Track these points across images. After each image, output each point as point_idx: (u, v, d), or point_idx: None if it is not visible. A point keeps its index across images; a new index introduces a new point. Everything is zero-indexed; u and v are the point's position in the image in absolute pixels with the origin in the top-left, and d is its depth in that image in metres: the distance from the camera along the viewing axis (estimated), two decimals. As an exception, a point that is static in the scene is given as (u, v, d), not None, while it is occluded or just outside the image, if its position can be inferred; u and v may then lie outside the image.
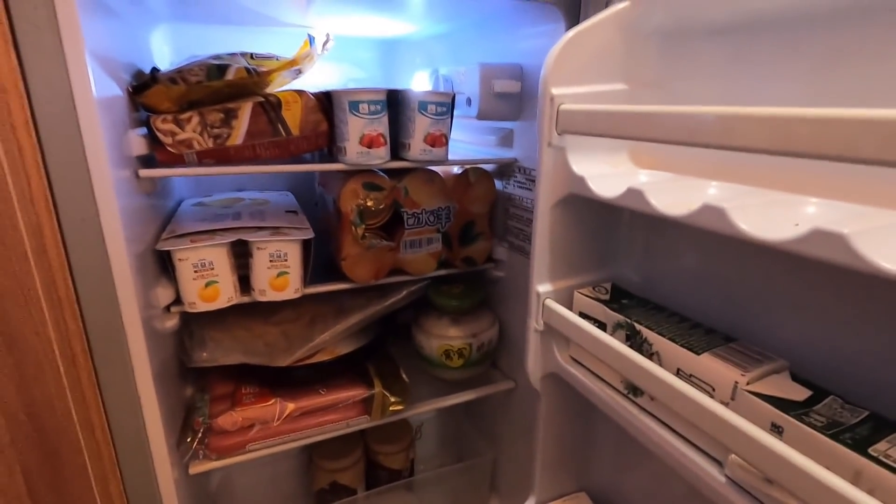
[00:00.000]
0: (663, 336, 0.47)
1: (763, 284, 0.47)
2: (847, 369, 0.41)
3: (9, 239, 0.45)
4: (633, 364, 0.45)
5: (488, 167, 0.84)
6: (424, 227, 0.81)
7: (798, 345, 0.44)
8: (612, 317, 0.53)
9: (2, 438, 0.48)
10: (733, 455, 0.38)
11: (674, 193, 0.41)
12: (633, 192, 0.44)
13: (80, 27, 0.45)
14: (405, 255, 0.81)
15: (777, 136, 0.31)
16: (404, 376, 0.82)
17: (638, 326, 0.49)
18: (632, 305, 0.54)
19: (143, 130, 0.63)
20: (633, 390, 0.50)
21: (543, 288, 0.58)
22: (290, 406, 0.72)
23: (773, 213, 0.35)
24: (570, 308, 0.57)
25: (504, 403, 0.93)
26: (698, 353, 0.43)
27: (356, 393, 0.76)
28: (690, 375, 0.44)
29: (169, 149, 0.62)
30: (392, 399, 0.77)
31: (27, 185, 0.45)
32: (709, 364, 0.42)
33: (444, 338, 0.84)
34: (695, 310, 0.51)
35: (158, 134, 0.61)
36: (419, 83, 0.96)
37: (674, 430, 0.46)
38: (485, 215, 0.86)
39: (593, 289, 0.58)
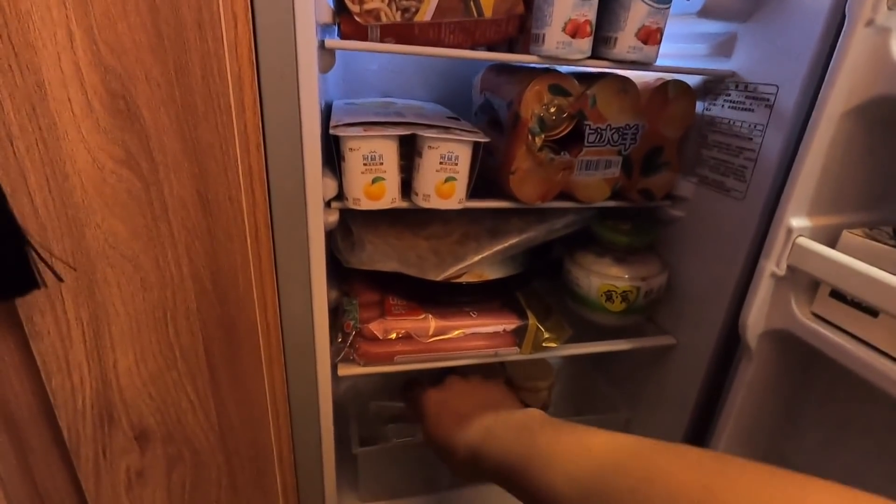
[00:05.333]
0: None
1: None
2: None
3: (216, 84, 0.40)
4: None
5: (691, 82, 0.70)
6: (606, 146, 0.69)
7: None
8: (915, 267, 0.39)
9: (190, 303, 0.47)
10: None
11: None
12: None
13: None
14: (578, 178, 0.70)
15: None
16: (559, 313, 0.74)
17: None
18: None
19: (327, -1, 0.57)
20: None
21: (799, 222, 0.46)
22: (442, 323, 0.67)
23: None
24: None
25: (654, 361, 0.83)
26: None
27: (509, 321, 0.70)
28: None
29: (356, 18, 0.55)
30: (546, 335, 0.70)
31: (234, 26, 0.40)
32: None
33: (608, 277, 0.74)
34: None
35: (347, 1, 0.55)
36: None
37: None
38: (675, 141, 0.72)
39: (869, 230, 0.45)
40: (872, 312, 0.42)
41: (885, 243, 0.43)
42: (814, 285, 0.48)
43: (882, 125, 0.43)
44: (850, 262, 0.41)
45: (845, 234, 0.45)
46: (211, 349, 0.50)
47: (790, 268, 0.46)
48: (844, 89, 0.41)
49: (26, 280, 0.39)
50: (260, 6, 0.41)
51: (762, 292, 0.49)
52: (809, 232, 0.46)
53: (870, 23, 0.38)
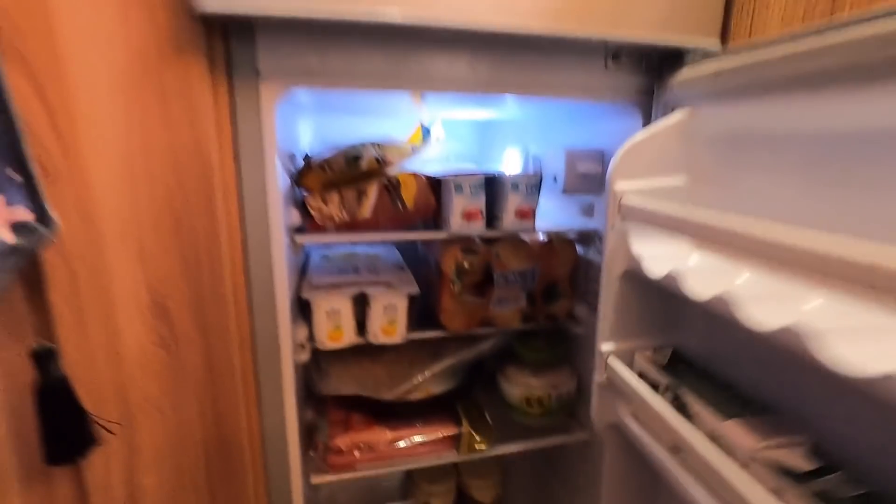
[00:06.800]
0: (701, 400, 0.53)
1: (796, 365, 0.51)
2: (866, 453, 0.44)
3: (220, 291, 0.64)
4: (668, 424, 0.52)
5: (572, 235, 0.95)
6: (512, 286, 0.92)
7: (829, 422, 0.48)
8: (662, 379, 0.60)
9: (196, 434, 0.67)
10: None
11: (710, 278, 0.48)
12: (672, 277, 0.52)
13: (276, 135, 0.65)
14: (494, 310, 0.92)
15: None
16: (489, 419, 0.92)
17: (680, 389, 0.56)
18: (685, 371, 0.61)
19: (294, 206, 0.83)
20: (675, 447, 0.56)
21: (607, 347, 0.67)
22: (395, 434, 0.85)
23: (784, 305, 0.40)
24: (632, 366, 0.65)
25: (582, 453, 0.99)
26: (726, 419, 0.50)
27: (447, 430, 0.88)
28: (718, 437, 0.50)
29: (317, 221, 0.81)
30: (478, 438, 0.88)
31: (230, 260, 0.65)
32: (733, 429, 0.49)
33: (527, 386, 0.93)
34: (746, 382, 0.57)
35: (310, 209, 0.81)
36: (511, 158, 1.10)
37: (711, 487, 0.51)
38: (566, 277, 0.95)
39: (654, 351, 0.66)
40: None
41: (656, 362, 0.63)
42: (635, 392, 0.67)
43: (645, 284, 0.65)
44: (626, 375, 0.62)
45: (637, 354, 0.65)
46: (210, 469, 0.68)
47: (608, 379, 0.67)
48: (613, 263, 0.64)
49: (88, 442, 0.59)
50: (252, 245, 0.66)
51: (597, 395, 0.69)
52: (617, 353, 0.66)
53: (612, 227, 0.63)
